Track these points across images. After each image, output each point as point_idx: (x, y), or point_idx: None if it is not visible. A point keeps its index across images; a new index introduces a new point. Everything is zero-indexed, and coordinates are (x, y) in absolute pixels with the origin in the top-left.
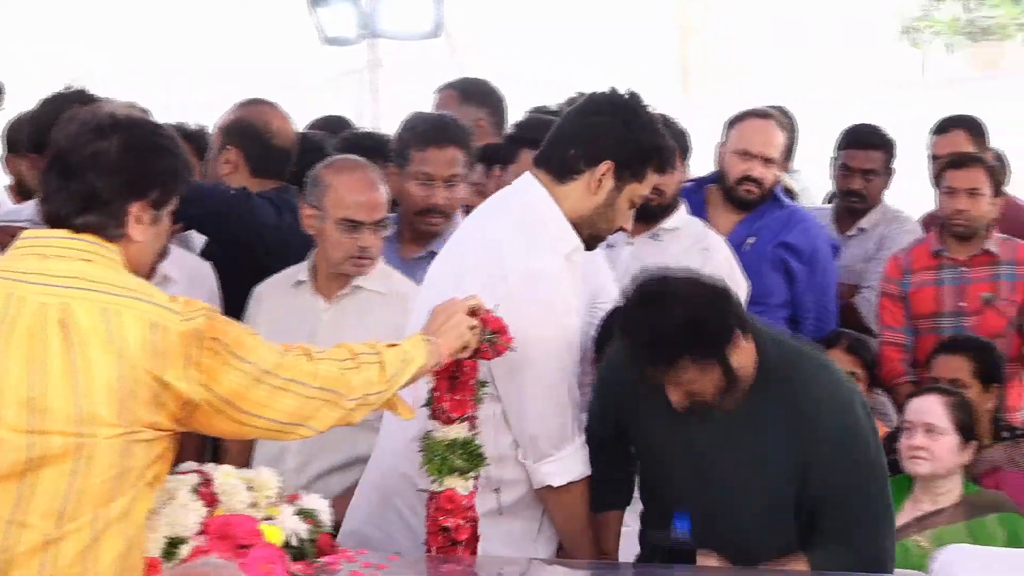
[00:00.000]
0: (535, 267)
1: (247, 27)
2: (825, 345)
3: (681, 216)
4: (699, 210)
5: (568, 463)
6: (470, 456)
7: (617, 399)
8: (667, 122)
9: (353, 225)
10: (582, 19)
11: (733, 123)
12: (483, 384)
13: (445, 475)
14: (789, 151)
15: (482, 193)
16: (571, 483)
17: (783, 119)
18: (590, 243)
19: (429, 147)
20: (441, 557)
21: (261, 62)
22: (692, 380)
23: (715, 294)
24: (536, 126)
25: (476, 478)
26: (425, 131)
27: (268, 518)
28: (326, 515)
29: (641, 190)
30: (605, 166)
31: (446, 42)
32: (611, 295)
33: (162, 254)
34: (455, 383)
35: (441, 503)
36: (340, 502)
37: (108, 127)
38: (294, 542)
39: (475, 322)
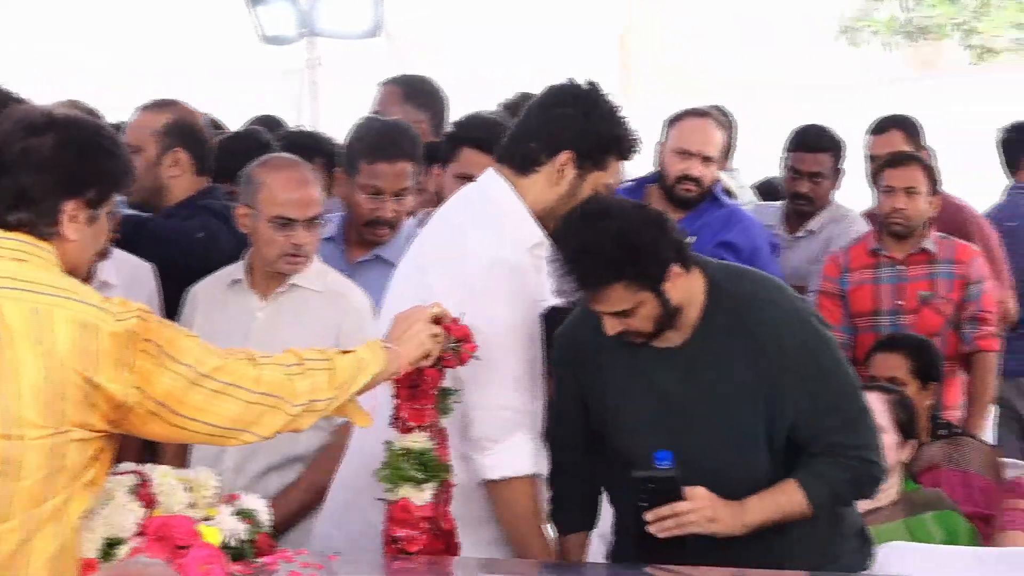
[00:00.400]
0: (499, 257)
1: (185, 26)
2: None
3: None
4: None
5: (507, 456)
6: (426, 466)
7: (575, 365)
8: None
9: (286, 223)
10: (523, 20)
11: (672, 122)
12: (450, 392)
13: (399, 484)
14: (728, 150)
15: (421, 191)
16: (512, 479)
17: (721, 118)
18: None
19: (378, 161)
20: (388, 557)
21: (199, 61)
22: (623, 306)
23: (652, 221)
24: (476, 125)
25: (438, 489)
26: (375, 143)
27: (207, 518)
28: (265, 515)
29: (605, 178)
30: (565, 156)
31: (386, 42)
32: (549, 295)
33: (102, 254)
34: (416, 391)
35: (395, 513)
36: (279, 502)
37: (42, 125)
38: (233, 542)
39: (438, 330)
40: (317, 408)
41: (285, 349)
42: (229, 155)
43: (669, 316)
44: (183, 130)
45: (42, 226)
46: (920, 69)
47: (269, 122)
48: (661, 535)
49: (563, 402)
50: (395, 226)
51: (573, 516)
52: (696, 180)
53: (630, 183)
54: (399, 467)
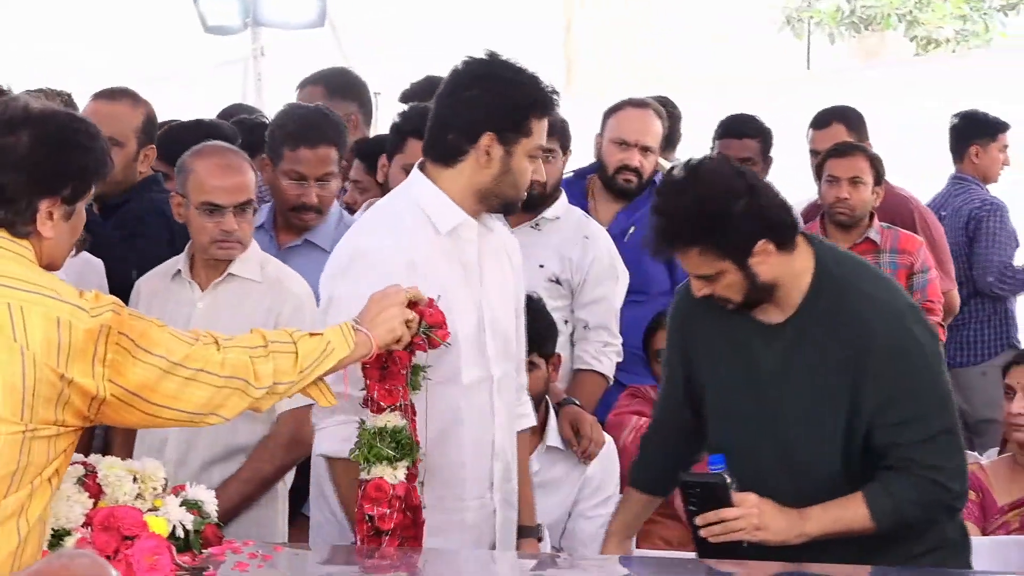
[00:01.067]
0: (356, 244)
1: (128, 14)
2: None
3: (561, 205)
4: (581, 201)
5: (325, 435)
6: (400, 445)
7: (683, 326)
8: None
9: (214, 208)
10: (466, 9)
11: (610, 113)
12: (421, 369)
13: (373, 463)
14: (671, 141)
15: (364, 190)
16: (331, 458)
17: (660, 108)
18: (508, 209)
19: (301, 147)
20: (327, 547)
21: (143, 50)
22: (702, 271)
23: (742, 192)
24: (421, 116)
25: (410, 468)
26: (297, 130)
27: (153, 509)
28: (212, 506)
29: (533, 141)
30: (487, 138)
31: (330, 31)
32: None
33: (80, 243)
34: (385, 372)
35: (368, 491)
36: (220, 494)
37: (19, 121)
38: (180, 533)
39: (411, 315)
40: (279, 391)
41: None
42: (178, 144)
43: (758, 290)
44: (153, 126)
45: (19, 225)
46: (864, 60)
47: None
48: (711, 540)
49: (669, 361)
50: (321, 211)
51: (646, 476)
52: (635, 170)
53: (571, 174)
54: (373, 446)
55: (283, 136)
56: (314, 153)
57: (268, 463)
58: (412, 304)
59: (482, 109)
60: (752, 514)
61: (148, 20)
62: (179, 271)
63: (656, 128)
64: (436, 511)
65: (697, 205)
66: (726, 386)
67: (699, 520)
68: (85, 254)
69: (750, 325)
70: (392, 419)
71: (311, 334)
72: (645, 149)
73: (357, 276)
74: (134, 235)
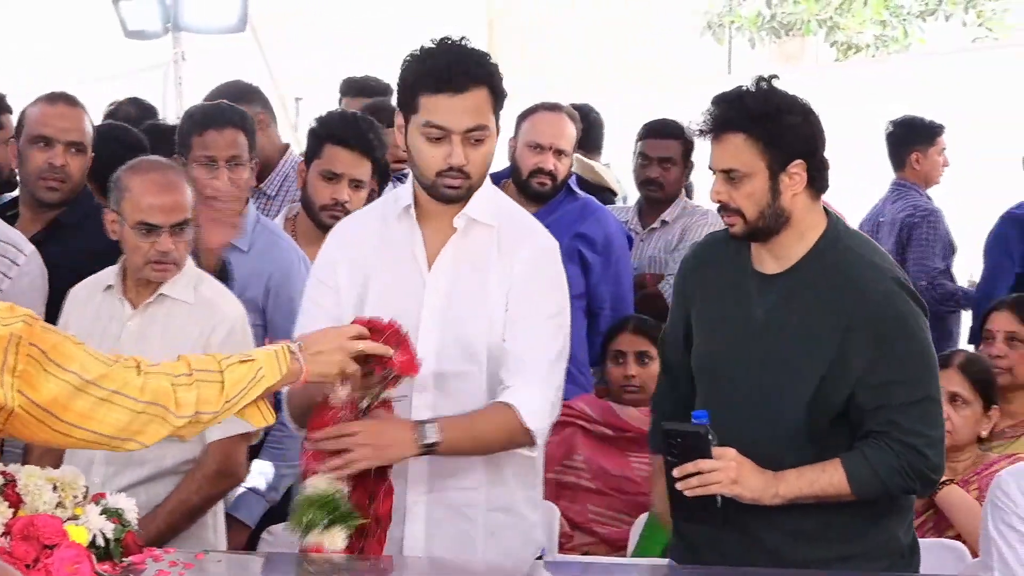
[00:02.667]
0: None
1: (48, 18)
2: (616, 329)
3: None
4: None
5: None
6: (334, 512)
7: (686, 281)
8: None
9: (150, 229)
10: (388, 13)
11: (524, 117)
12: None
13: (308, 530)
14: (595, 144)
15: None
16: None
17: (573, 112)
18: (432, 193)
19: (208, 130)
20: (251, 555)
21: (63, 54)
22: (735, 164)
23: (807, 112)
24: (338, 122)
25: (351, 533)
26: (203, 116)
27: (74, 518)
28: (132, 514)
29: (420, 119)
30: (398, 117)
31: (251, 36)
32: None
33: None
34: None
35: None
36: (145, 522)
37: None
38: (100, 541)
39: (354, 367)
40: (203, 420)
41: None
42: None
43: (771, 214)
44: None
45: None
46: (784, 65)
47: (139, 105)
48: (687, 493)
49: (672, 323)
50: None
51: (658, 439)
52: (550, 173)
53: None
54: (306, 514)
55: (191, 125)
56: (221, 135)
57: (195, 494)
58: (376, 357)
59: (398, 90)
60: (730, 467)
61: (68, 24)
62: (110, 285)
63: (570, 131)
64: None
65: (761, 98)
66: (717, 330)
67: (677, 472)
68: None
69: (748, 272)
70: (324, 485)
71: (241, 360)
72: (559, 152)
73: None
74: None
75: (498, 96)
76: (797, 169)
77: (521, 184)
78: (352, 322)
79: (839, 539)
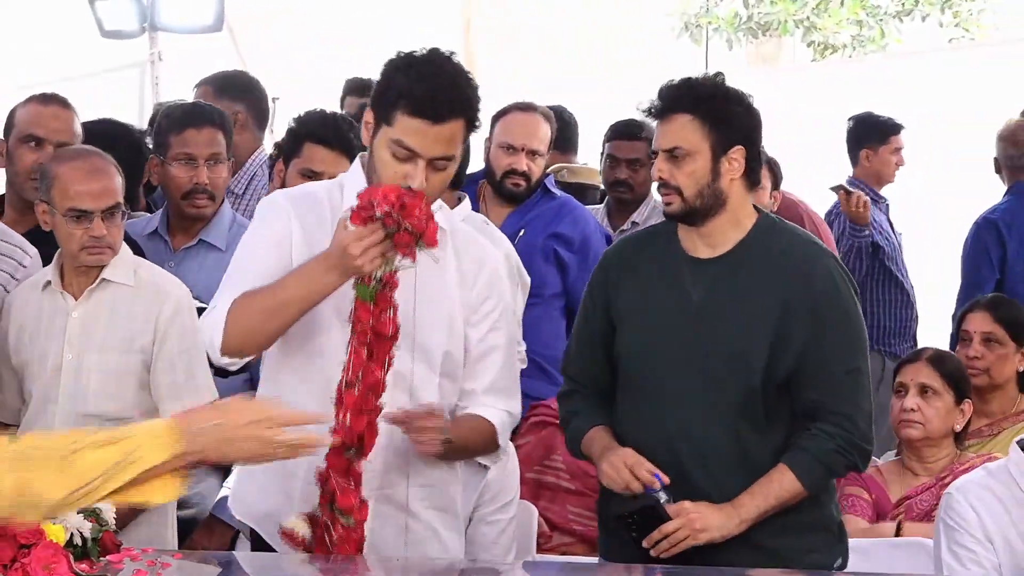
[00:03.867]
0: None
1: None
2: None
3: (463, 210)
4: (473, 207)
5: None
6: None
7: (609, 279)
8: None
9: (80, 214)
10: (366, 13)
11: (497, 118)
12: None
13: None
14: (571, 145)
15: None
16: None
17: (548, 112)
18: None
19: (187, 128)
20: (229, 555)
21: (40, 54)
22: (679, 143)
23: (747, 103)
24: (317, 121)
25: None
26: (181, 115)
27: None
28: (110, 514)
29: (393, 134)
30: (368, 113)
31: (228, 36)
32: None
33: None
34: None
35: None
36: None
37: None
38: (77, 541)
39: (271, 435)
40: (41, 506)
41: (102, 349)
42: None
43: (709, 194)
44: None
45: None
46: (762, 66)
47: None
48: (664, 557)
49: (585, 324)
50: (213, 196)
51: (587, 417)
52: (523, 174)
53: None
54: None
55: (169, 124)
56: (200, 133)
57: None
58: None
59: (377, 83)
60: (692, 520)
61: (44, 24)
62: (48, 281)
63: (543, 132)
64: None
65: (709, 83)
66: (651, 321)
67: (645, 543)
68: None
69: (680, 259)
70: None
71: (107, 443)
72: (532, 153)
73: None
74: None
75: (472, 126)
76: (737, 155)
77: (495, 185)
78: (358, 194)
79: (782, 514)
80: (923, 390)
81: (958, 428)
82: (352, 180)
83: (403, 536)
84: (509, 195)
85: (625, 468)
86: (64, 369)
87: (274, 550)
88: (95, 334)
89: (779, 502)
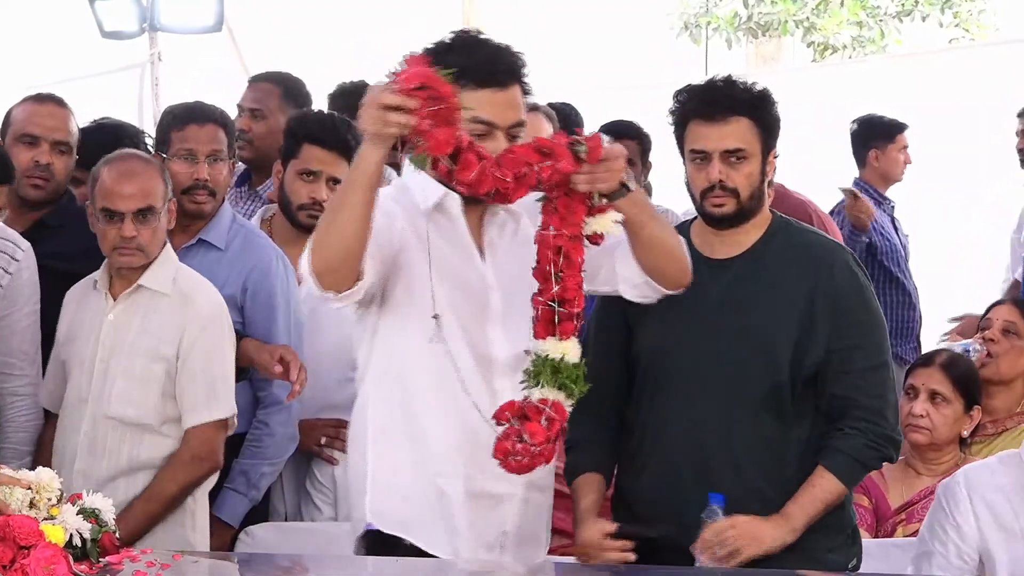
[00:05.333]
0: None
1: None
2: None
3: None
4: None
5: None
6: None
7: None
8: None
9: (111, 215)
10: (365, 14)
11: None
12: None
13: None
14: None
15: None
16: None
17: (550, 111)
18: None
19: (189, 125)
20: (229, 555)
21: (40, 55)
22: (739, 144)
23: (775, 101)
24: (315, 121)
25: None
26: (183, 112)
27: (50, 518)
28: (110, 514)
29: (465, 113)
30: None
31: (227, 36)
32: None
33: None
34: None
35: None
36: (126, 514)
37: None
38: (77, 542)
39: None
40: None
41: (130, 354)
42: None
43: (759, 197)
44: None
45: None
46: (762, 66)
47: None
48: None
49: (605, 327)
50: (214, 193)
51: (585, 453)
52: None
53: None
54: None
55: (171, 120)
56: (202, 129)
57: (171, 482)
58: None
59: None
60: (743, 531)
61: (44, 25)
62: (96, 280)
63: (546, 131)
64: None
65: (755, 87)
66: (670, 319)
67: (696, 547)
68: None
69: (697, 260)
70: (567, 351)
71: None
72: None
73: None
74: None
75: (525, 92)
76: (773, 158)
77: None
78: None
79: None
80: (933, 396)
81: (965, 434)
82: (415, 179)
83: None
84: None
85: (593, 547)
86: (96, 369)
87: (429, 554)
88: (126, 338)
89: (825, 505)
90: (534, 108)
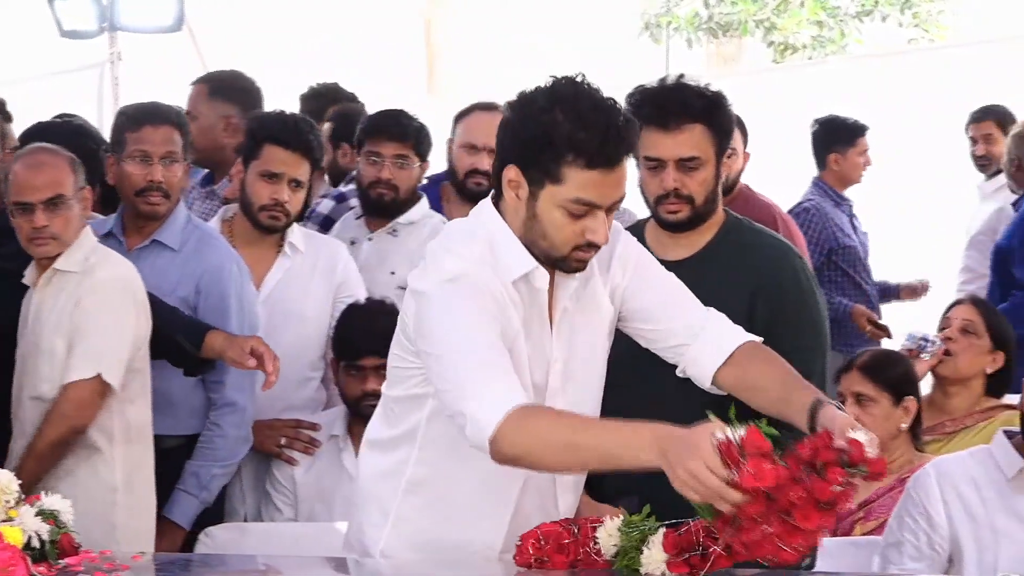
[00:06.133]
0: (451, 268)
1: None
2: None
3: (420, 210)
4: (436, 208)
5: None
6: None
7: None
8: (405, 117)
9: (24, 207)
10: (325, 14)
11: (459, 118)
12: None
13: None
14: None
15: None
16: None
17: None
18: (558, 267)
19: (143, 126)
20: (189, 557)
21: None
22: (693, 152)
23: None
24: (277, 121)
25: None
26: (137, 113)
27: (8, 519)
28: (68, 515)
29: (566, 193)
30: (511, 171)
31: (187, 36)
32: (355, 290)
33: None
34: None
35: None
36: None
37: None
38: (35, 543)
39: None
40: None
41: (43, 334)
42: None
43: (713, 201)
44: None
45: None
46: (722, 66)
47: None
48: None
49: None
50: (168, 195)
51: None
52: (486, 173)
53: (424, 182)
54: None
55: (125, 121)
56: (157, 131)
57: (39, 438)
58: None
59: (509, 134)
60: None
61: (2, 23)
62: (27, 272)
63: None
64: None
65: (708, 91)
66: None
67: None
68: None
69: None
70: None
71: None
72: (494, 152)
73: (454, 297)
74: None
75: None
76: (728, 160)
77: (458, 185)
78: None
79: None
80: (858, 399)
81: (904, 427)
82: (503, 241)
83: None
84: (472, 195)
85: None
86: (21, 354)
87: None
88: (43, 325)
89: None
90: (493, 108)
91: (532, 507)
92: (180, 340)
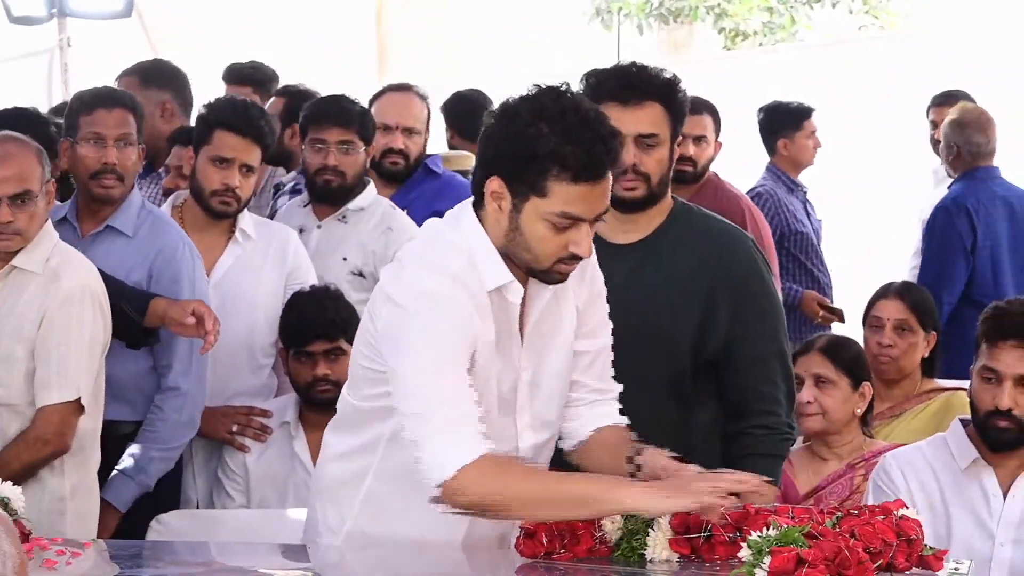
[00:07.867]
0: (423, 286)
1: None
2: None
3: (368, 196)
4: (436, 192)
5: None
6: None
7: None
8: (347, 101)
9: None
10: (278, 2)
11: (373, 101)
12: None
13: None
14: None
15: (185, 176)
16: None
17: (424, 91)
18: (540, 279)
19: (97, 109)
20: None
21: None
22: (652, 129)
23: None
24: (228, 107)
25: None
26: (91, 97)
27: None
28: (19, 502)
29: (550, 206)
30: (495, 183)
31: (137, 22)
32: (306, 276)
33: None
34: None
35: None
36: None
37: None
38: None
39: None
40: None
41: (6, 339)
42: None
43: (666, 182)
44: None
45: None
46: (673, 52)
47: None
48: None
49: None
50: (122, 178)
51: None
52: (400, 152)
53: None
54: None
55: (79, 105)
56: (110, 114)
57: (15, 459)
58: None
59: (494, 145)
60: None
61: None
62: None
63: (417, 110)
64: None
65: (666, 73)
66: None
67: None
68: None
69: (600, 246)
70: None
71: None
72: (408, 131)
73: (430, 318)
74: None
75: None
76: (681, 143)
77: (376, 165)
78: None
79: None
80: (818, 381)
81: (859, 412)
82: (482, 251)
83: None
84: (389, 174)
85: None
86: None
87: None
88: (0, 320)
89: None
90: (406, 88)
91: (485, 526)
92: (124, 307)
